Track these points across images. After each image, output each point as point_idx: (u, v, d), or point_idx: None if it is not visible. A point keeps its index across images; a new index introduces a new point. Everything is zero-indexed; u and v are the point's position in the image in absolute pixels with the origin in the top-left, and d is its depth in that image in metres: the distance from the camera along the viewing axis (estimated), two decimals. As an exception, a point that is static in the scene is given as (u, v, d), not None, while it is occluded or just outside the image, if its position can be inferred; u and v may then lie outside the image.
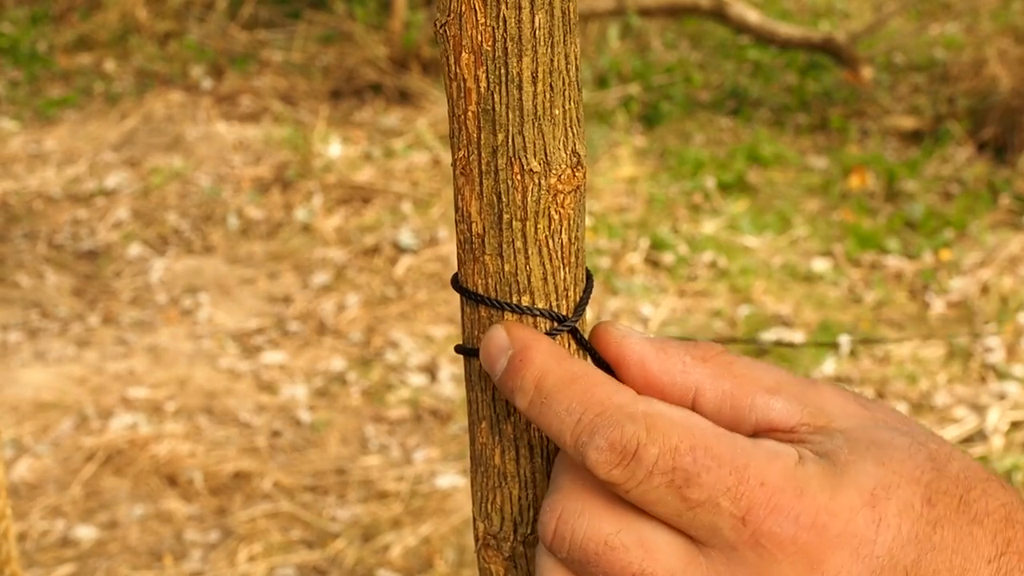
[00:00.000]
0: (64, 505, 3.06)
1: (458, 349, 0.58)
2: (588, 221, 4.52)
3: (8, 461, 3.19)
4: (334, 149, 5.33)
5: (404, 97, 5.96)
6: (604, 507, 0.52)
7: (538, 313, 0.56)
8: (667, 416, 0.51)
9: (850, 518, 0.49)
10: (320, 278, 4.27)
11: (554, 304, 0.56)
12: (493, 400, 0.58)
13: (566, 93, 0.54)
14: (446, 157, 5.18)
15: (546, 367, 0.53)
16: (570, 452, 0.52)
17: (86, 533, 2.96)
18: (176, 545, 2.94)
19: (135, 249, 4.53)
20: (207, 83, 6.28)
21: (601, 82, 6.13)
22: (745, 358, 0.57)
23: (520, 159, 0.53)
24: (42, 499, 3.08)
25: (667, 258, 4.34)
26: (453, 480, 3.13)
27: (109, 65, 6.63)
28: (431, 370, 3.66)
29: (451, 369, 3.64)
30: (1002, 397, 3.42)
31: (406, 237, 4.50)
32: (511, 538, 0.59)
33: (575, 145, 0.55)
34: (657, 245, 4.42)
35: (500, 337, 0.55)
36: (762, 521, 0.49)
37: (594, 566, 0.51)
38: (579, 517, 0.52)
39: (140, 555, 2.90)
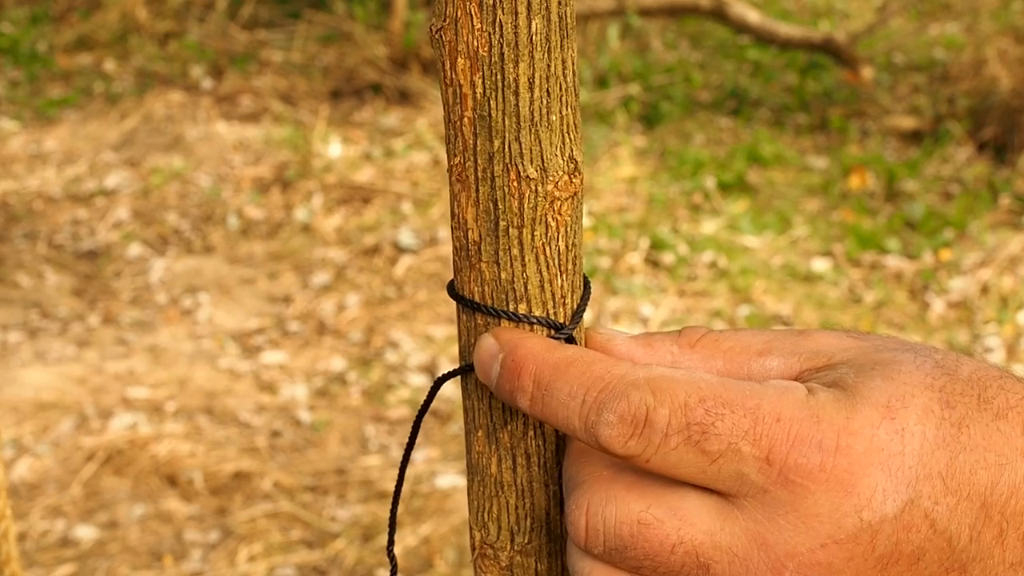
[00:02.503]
0: (64, 505, 3.06)
1: (447, 376, 0.58)
2: (588, 221, 4.52)
3: (8, 461, 3.19)
4: (334, 149, 5.32)
5: (404, 97, 5.95)
6: (628, 489, 0.51)
7: (535, 321, 0.55)
8: (670, 376, 0.50)
9: (872, 434, 0.48)
10: (320, 278, 4.27)
11: (551, 312, 0.56)
12: (489, 409, 0.58)
13: (563, 99, 0.53)
14: (446, 158, 5.17)
15: (540, 360, 0.53)
16: (582, 437, 0.51)
17: (86, 533, 2.96)
18: (176, 545, 2.93)
19: (135, 249, 4.53)
20: (207, 83, 6.27)
21: (601, 82, 6.12)
22: (730, 330, 0.56)
23: (517, 166, 0.53)
24: (42, 499, 3.08)
25: (667, 258, 4.34)
26: (453, 480, 3.13)
27: (109, 65, 6.63)
28: (431, 370, 3.66)
29: (451, 369, 3.63)
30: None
31: (406, 237, 4.50)
32: (508, 547, 0.59)
33: (572, 151, 0.54)
34: (657, 245, 4.42)
35: (489, 344, 0.55)
36: (786, 456, 0.48)
37: (633, 549, 0.50)
38: (606, 506, 0.51)
39: (140, 555, 2.90)
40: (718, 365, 0.55)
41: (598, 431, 0.50)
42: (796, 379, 0.53)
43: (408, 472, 3.16)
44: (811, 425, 0.48)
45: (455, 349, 3.75)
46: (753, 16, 6.21)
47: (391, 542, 0.60)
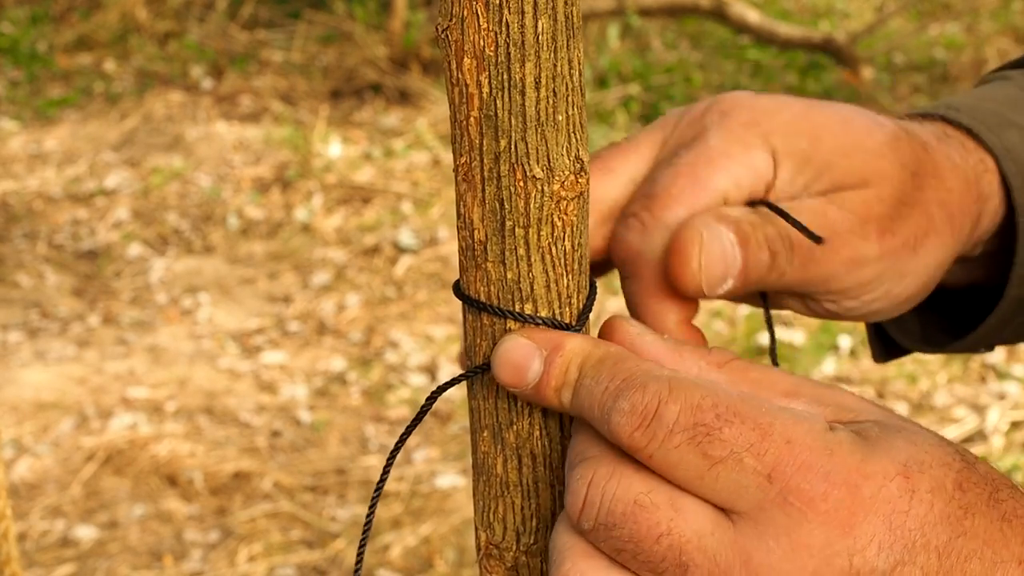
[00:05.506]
0: (64, 505, 3.06)
1: (454, 381, 0.58)
2: (588, 221, 4.51)
3: (8, 461, 3.19)
4: (334, 149, 5.32)
5: (404, 97, 5.95)
6: (636, 469, 0.51)
7: (541, 321, 0.55)
8: (691, 380, 0.50)
9: (884, 483, 0.48)
10: (320, 278, 4.27)
11: (557, 312, 0.56)
12: (495, 409, 0.57)
13: (569, 99, 0.53)
14: (446, 157, 5.18)
15: (587, 355, 0.53)
16: (598, 425, 0.51)
17: (86, 533, 2.96)
18: (176, 545, 2.93)
19: (135, 249, 4.53)
20: (207, 83, 6.27)
21: (601, 82, 6.12)
22: (760, 364, 0.56)
23: (523, 165, 0.53)
24: (42, 499, 3.08)
25: (667, 258, 4.33)
26: (453, 480, 3.13)
27: (109, 65, 6.63)
28: (431, 370, 3.66)
29: (451, 369, 3.63)
30: (1002, 397, 3.42)
31: (406, 237, 4.50)
32: (513, 548, 0.59)
33: (578, 151, 0.54)
34: (657, 245, 4.42)
35: (523, 344, 0.54)
36: (790, 478, 0.47)
37: (621, 528, 0.49)
38: (609, 480, 0.50)
39: (140, 555, 2.90)
40: (743, 391, 0.54)
41: (611, 418, 0.50)
42: None
43: (408, 472, 3.16)
44: (822, 456, 0.48)
45: (455, 349, 3.75)
46: (753, 16, 6.21)
47: (364, 540, 0.60)
